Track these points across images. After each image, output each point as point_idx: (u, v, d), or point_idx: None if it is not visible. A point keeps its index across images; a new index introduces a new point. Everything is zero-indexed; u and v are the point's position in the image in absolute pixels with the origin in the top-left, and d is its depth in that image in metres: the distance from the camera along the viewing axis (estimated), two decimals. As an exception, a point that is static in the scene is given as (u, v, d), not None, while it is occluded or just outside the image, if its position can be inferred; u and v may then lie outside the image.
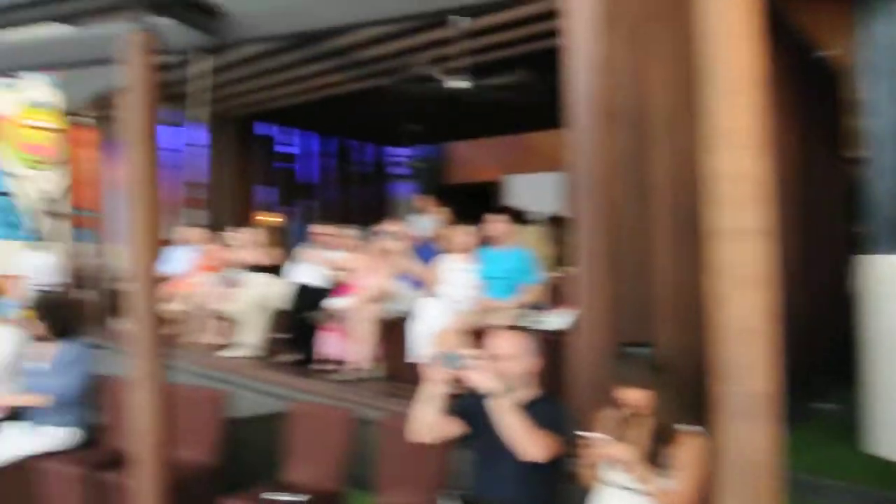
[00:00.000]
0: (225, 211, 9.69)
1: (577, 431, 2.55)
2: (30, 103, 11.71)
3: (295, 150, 11.94)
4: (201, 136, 8.77)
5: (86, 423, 4.21)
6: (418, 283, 5.03)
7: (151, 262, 3.27)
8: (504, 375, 2.62)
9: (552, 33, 5.53)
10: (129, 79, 3.24)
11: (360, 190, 12.98)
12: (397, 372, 4.85)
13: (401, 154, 13.70)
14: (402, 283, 5.05)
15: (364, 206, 12.49)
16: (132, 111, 3.25)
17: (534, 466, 2.56)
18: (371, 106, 8.98)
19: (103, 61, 3.98)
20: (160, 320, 3.38)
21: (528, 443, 2.53)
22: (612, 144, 3.27)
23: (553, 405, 2.76)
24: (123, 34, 3.25)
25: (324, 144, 12.38)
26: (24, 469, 3.88)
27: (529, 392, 2.74)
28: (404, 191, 13.48)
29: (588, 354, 3.27)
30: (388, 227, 5.40)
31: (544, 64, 6.45)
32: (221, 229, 7.79)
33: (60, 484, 3.79)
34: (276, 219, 10.41)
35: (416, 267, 5.10)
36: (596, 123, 3.25)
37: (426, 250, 5.37)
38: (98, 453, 4.04)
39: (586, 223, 3.29)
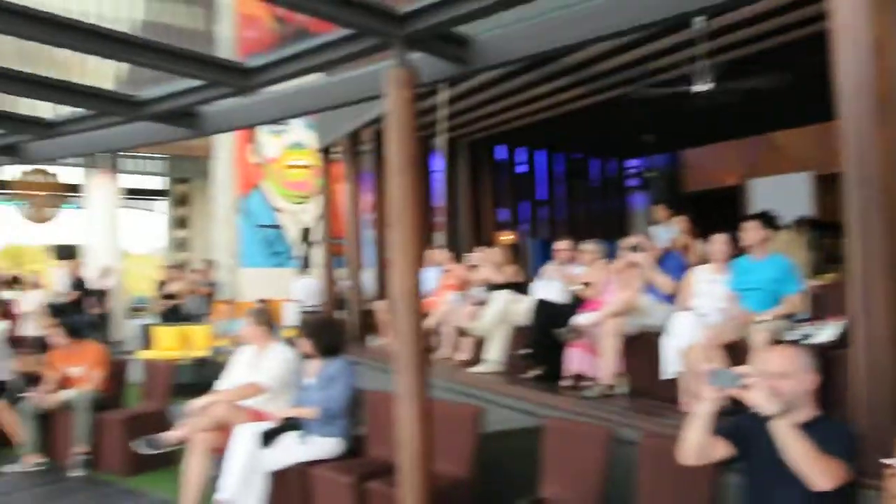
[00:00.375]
0: (464, 232, 10.09)
1: (881, 459, 2.28)
2: (291, 145, 13.15)
3: (527, 169, 12.12)
4: (439, 161, 9.20)
5: (349, 434, 4.51)
6: (668, 297, 4.85)
7: (414, 283, 3.45)
8: (780, 394, 2.41)
9: (802, 23, 5.16)
10: (390, 113, 3.47)
11: (594, 203, 12.85)
12: (643, 388, 4.69)
13: (635, 165, 13.37)
14: (650, 297, 4.90)
15: (599, 220, 12.36)
16: (394, 143, 3.47)
17: (818, 496, 2.32)
18: (604, 118, 8.84)
19: (360, 101, 4.32)
20: (423, 338, 3.57)
21: (815, 469, 2.29)
22: (890, 134, 2.93)
23: (838, 427, 2.49)
24: (383, 72, 3.51)
25: (555, 161, 12.42)
26: (299, 474, 4.25)
27: (807, 412, 2.49)
28: (639, 202, 13.14)
29: (869, 370, 2.94)
30: (632, 239, 5.28)
31: (793, 57, 5.97)
32: (462, 249, 8.11)
33: (330, 490, 4.09)
34: (511, 237, 10.63)
35: (660, 279, 4.94)
36: (871, 112, 2.93)
37: (670, 261, 5.17)
38: (361, 463, 4.31)
39: (861, 223, 2.97)
